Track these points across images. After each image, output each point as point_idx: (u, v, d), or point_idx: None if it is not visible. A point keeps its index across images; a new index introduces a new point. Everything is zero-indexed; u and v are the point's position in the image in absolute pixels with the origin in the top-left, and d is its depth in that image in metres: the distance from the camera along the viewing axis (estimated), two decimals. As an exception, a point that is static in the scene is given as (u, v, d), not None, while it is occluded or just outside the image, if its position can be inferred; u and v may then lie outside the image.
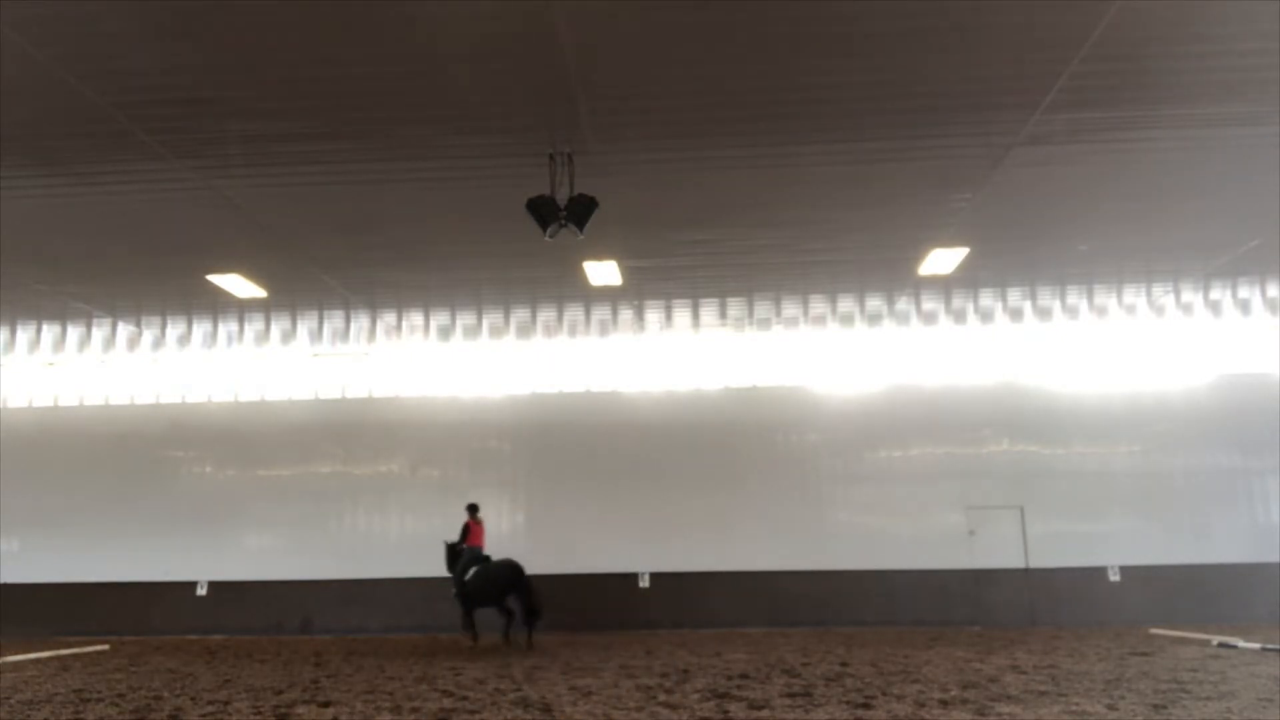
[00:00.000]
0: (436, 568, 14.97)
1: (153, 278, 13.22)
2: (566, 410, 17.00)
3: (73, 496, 17.12)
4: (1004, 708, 6.40)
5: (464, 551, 13.59)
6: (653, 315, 15.63)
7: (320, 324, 15.87)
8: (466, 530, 13.81)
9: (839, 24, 7.13)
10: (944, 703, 6.70)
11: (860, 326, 16.23)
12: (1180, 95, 8.35)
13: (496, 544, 16.40)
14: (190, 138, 8.84)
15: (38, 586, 16.62)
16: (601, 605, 15.89)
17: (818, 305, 15.27)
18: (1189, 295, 14.83)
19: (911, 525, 16.02)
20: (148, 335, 16.39)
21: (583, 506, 16.46)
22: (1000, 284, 14.36)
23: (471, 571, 13.23)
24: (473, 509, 14.07)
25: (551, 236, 9.25)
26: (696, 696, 7.22)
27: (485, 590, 13.09)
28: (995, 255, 12.92)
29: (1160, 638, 12.50)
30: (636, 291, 14.33)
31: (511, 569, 13.11)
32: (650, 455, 16.63)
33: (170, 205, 10.50)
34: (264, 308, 14.83)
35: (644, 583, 16.09)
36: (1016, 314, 15.74)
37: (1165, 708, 6.37)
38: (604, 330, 16.39)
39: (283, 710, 6.78)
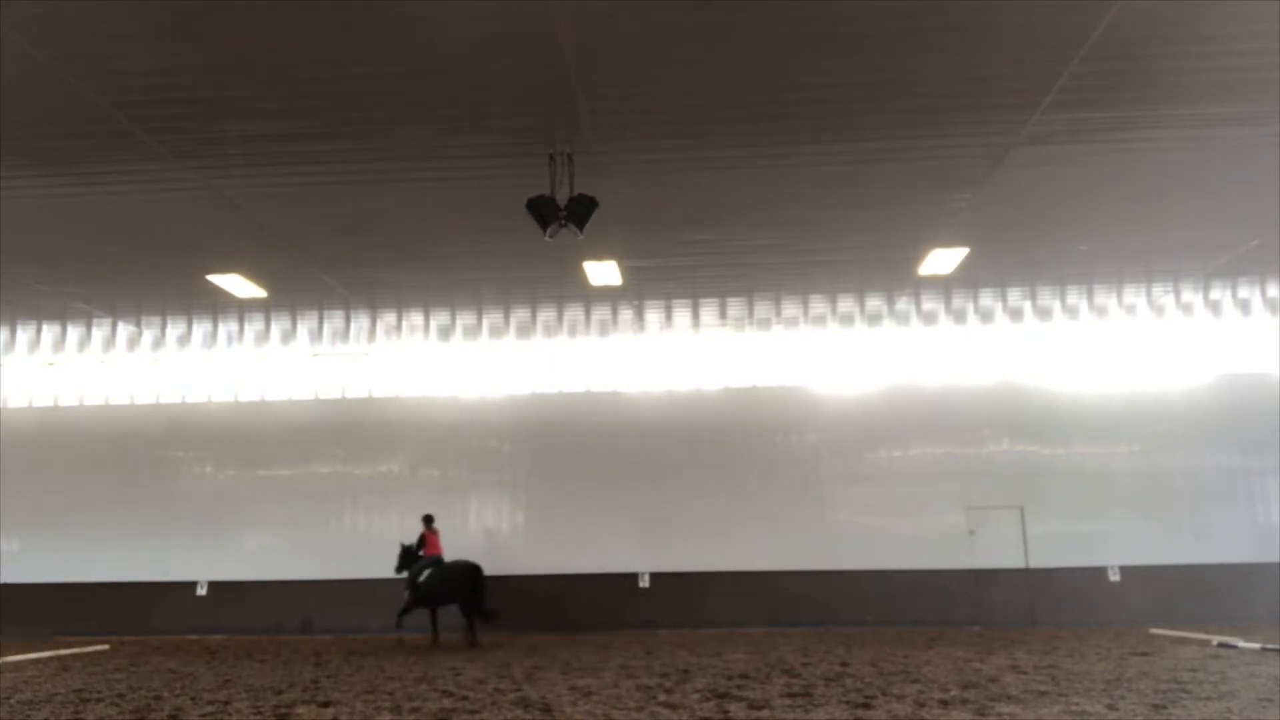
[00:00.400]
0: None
1: (153, 278, 13.22)
2: (566, 410, 17.00)
3: (73, 496, 17.11)
4: (1004, 708, 6.40)
5: (421, 559, 14.02)
6: (653, 315, 15.63)
7: (320, 324, 15.87)
8: (423, 541, 14.21)
9: (839, 24, 7.13)
10: (944, 703, 6.70)
11: (860, 326, 16.23)
12: (1180, 95, 8.35)
13: (497, 544, 16.48)
14: (190, 138, 8.84)
15: (38, 586, 16.61)
16: (601, 605, 15.89)
17: (818, 305, 15.27)
18: (1189, 295, 14.83)
19: (911, 525, 16.02)
20: (148, 335, 16.39)
21: (583, 506, 16.45)
22: (1000, 284, 14.36)
23: (426, 573, 13.66)
24: (428, 520, 14.47)
25: (551, 236, 9.25)
26: (696, 696, 7.22)
27: (440, 590, 13.49)
28: (995, 255, 12.92)
29: (1160, 638, 12.50)
30: (636, 291, 14.33)
31: (468, 569, 13.53)
32: (650, 455, 16.62)
33: (170, 205, 10.50)
34: (264, 308, 14.83)
35: (644, 583, 16.09)
36: (1016, 314, 15.74)
37: (1165, 708, 6.37)
38: (604, 330, 16.39)
39: (283, 710, 6.78)
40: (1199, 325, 16.11)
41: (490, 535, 16.53)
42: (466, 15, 6.93)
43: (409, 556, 14.03)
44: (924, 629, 14.80)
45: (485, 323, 15.95)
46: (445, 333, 16.41)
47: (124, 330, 16.05)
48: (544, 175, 9.39)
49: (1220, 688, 7.32)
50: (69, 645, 13.87)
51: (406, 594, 13.77)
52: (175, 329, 16.00)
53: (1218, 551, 15.51)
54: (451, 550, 15.37)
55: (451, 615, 13.95)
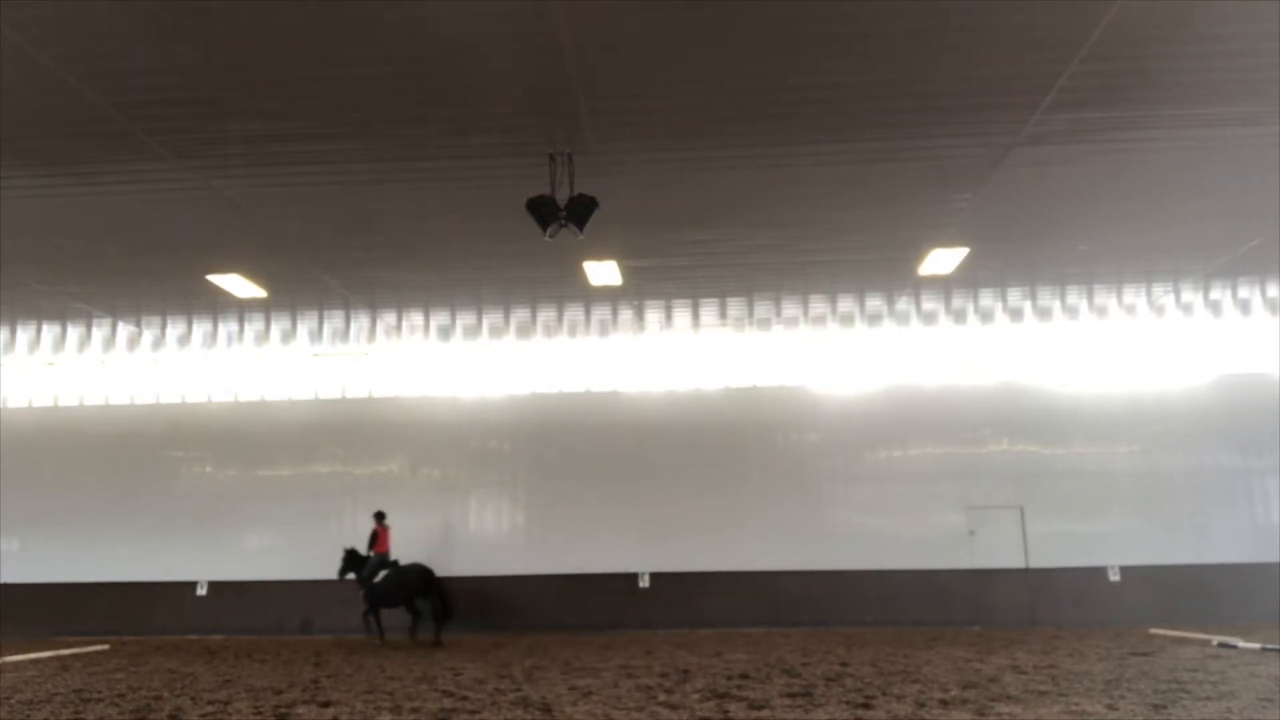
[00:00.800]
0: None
1: (153, 278, 13.22)
2: (566, 410, 16.99)
3: (73, 496, 17.11)
4: (1004, 708, 6.40)
5: (370, 558, 14.46)
6: (653, 315, 15.63)
7: (320, 324, 15.87)
8: (375, 537, 14.62)
9: (839, 24, 7.13)
10: (944, 703, 6.70)
11: (860, 326, 16.23)
12: (1180, 95, 8.35)
13: (496, 544, 16.50)
14: (190, 138, 8.84)
15: (38, 586, 16.62)
16: (601, 605, 15.89)
17: (818, 305, 15.27)
18: (1189, 295, 14.83)
19: (911, 525, 16.01)
20: (148, 335, 16.39)
21: (583, 506, 16.45)
22: (1000, 284, 14.35)
23: (381, 575, 14.20)
24: (379, 516, 14.91)
25: (551, 236, 9.26)
26: (696, 696, 7.22)
27: (394, 592, 14.04)
28: (995, 255, 12.92)
29: (1160, 638, 12.50)
30: (636, 291, 14.32)
31: (422, 572, 14.14)
32: (650, 455, 16.62)
33: (170, 205, 10.50)
34: (264, 308, 14.83)
35: (644, 583, 16.09)
36: (1016, 314, 15.74)
37: (1165, 708, 6.37)
38: (604, 330, 16.39)
39: (283, 710, 6.78)
40: (1199, 325, 16.11)
41: (490, 535, 16.53)
42: (467, 15, 6.93)
43: (355, 560, 14.46)
44: (924, 629, 14.79)
45: (485, 323, 15.95)
46: (445, 333, 16.41)
47: (124, 330, 16.04)
48: (544, 175, 9.39)
49: (1220, 688, 7.32)
50: (69, 645, 13.86)
51: (361, 593, 14.27)
52: (175, 329, 16.00)
53: (1218, 551, 15.51)
54: (457, 548, 15.51)
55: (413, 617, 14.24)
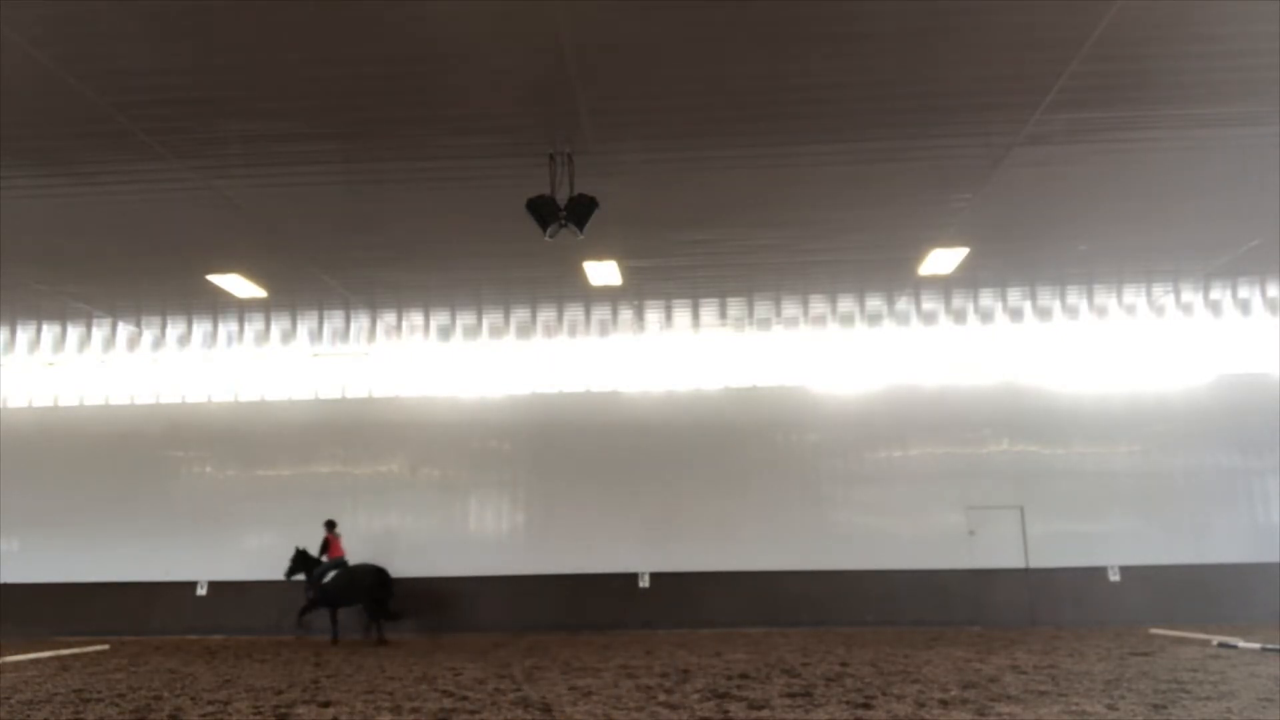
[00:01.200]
0: (436, 568, 14.98)
1: (153, 278, 13.22)
2: (566, 410, 17.00)
3: (73, 496, 17.11)
4: (1004, 708, 6.40)
5: (323, 561, 14.82)
6: (653, 315, 15.63)
7: (320, 324, 15.87)
8: (326, 545, 14.98)
9: (839, 24, 7.13)
10: (944, 703, 6.70)
11: (860, 326, 16.23)
12: (1180, 95, 8.35)
13: (496, 544, 16.50)
14: (190, 138, 8.84)
15: (38, 586, 16.62)
16: (601, 605, 15.89)
17: (818, 305, 15.26)
18: (1189, 295, 14.83)
19: (911, 525, 16.02)
20: (148, 335, 16.39)
21: (583, 506, 16.45)
22: (1000, 284, 14.35)
23: (331, 575, 14.45)
24: (330, 525, 15.23)
25: (551, 236, 9.26)
26: (696, 696, 7.22)
27: (346, 591, 14.30)
28: (995, 255, 12.92)
29: (1160, 638, 12.50)
30: (636, 291, 14.32)
31: (375, 572, 14.36)
32: (650, 455, 16.62)
33: (170, 205, 10.50)
34: (264, 308, 14.83)
35: (644, 583, 16.09)
36: (1016, 314, 15.73)
37: (1165, 708, 6.37)
38: (604, 330, 16.39)
39: (283, 710, 6.78)
40: (1199, 325, 16.11)
41: (490, 535, 16.53)
42: (467, 15, 6.93)
43: (305, 561, 14.72)
44: (924, 629, 14.79)
45: (485, 323, 15.95)
46: (445, 333, 16.41)
47: (124, 330, 16.04)
48: (544, 175, 9.39)
49: (1220, 688, 7.32)
50: (69, 645, 13.87)
51: (309, 594, 14.52)
52: (175, 329, 16.00)
53: (1218, 551, 15.51)
54: (457, 548, 15.51)
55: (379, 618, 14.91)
